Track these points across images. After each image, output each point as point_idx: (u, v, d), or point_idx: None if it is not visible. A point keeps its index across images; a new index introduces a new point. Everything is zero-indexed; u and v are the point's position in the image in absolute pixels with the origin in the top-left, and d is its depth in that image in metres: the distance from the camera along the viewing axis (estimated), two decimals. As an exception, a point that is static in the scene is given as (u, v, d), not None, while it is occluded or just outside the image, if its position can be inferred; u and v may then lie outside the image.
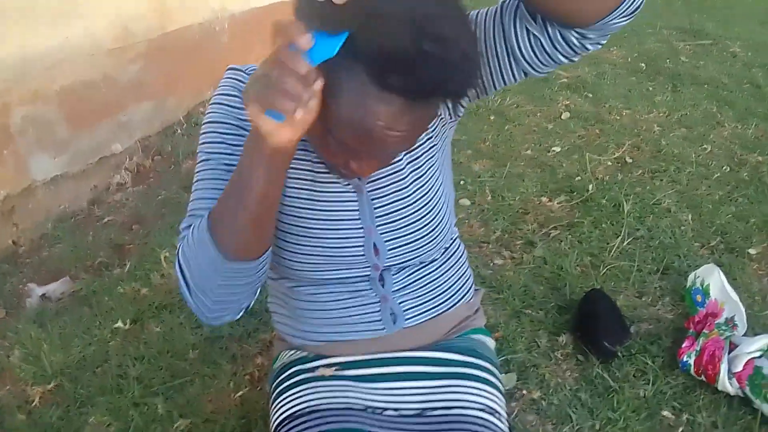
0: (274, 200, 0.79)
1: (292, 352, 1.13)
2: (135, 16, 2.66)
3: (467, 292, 1.16)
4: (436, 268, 1.09)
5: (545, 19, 0.81)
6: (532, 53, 0.85)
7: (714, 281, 1.76)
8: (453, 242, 1.14)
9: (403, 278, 1.05)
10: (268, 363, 1.66)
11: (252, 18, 3.40)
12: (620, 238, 2.07)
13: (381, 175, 0.96)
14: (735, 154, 2.64)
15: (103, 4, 2.51)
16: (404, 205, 0.98)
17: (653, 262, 1.99)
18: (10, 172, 2.24)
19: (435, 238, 1.02)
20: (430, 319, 1.09)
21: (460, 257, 1.16)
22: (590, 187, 2.36)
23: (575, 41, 0.80)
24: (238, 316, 0.89)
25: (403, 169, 0.97)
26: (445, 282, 1.10)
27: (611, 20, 0.76)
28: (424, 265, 1.07)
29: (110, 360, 1.70)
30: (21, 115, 2.25)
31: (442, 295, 1.10)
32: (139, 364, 1.67)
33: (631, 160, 2.58)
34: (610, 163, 2.56)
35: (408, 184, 0.97)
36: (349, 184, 0.95)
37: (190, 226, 0.85)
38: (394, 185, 0.97)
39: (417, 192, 0.98)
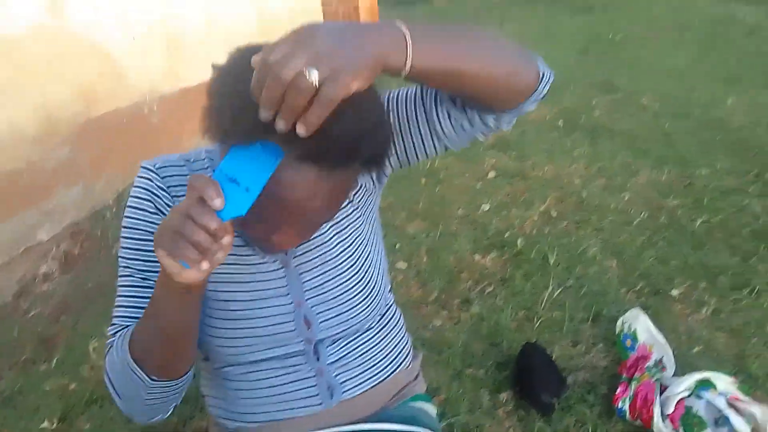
0: (191, 325, 0.81)
1: (229, 437, 1.10)
2: (59, 103, 2.65)
3: (405, 357, 1.15)
4: (372, 337, 1.08)
5: (465, 104, 0.88)
6: (452, 132, 0.91)
7: (641, 325, 1.83)
8: (388, 309, 1.14)
9: (338, 350, 1.04)
10: (206, 451, 1.60)
11: (181, 97, 3.43)
12: (550, 289, 2.13)
13: (308, 248, 0.97)
14: (652, 199, 2.78)
15: (24, 94, 2.49)
16: (333, 276, 0.98)
17: (584, 310, 2.05)
18: (-72, 269, 2.14)
19: (368, 307, 1.02)
20: (368, 389, 1.07)
21: (397, 323, 1.16)
22: (519, 241, 2.43)
23: (492, 122, 0.88)
24: (169, 413, 0.90)
25: (330, 240, 0.98)
26: (381, 350, 1.10)
27: (523, 107, 0.86)
28: (358, 334, 1.06)
29: (36, 465, 1.60)
30: (-61, 210, 2.17)
31: (380, 364, 1.09)
32: (67, 467, 1.59)
33: (555, 213, 2.68)
34: (536, 218, 2.65)
35: (336, 255, 0.98)
36: (276, 260, 0.96)
37: (115, 334, 0.88)
38: (321, 257, 0.98)
39: (345, 262, 0.99)
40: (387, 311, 1.14)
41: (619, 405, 1.63)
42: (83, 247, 2.69)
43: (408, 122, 0.93)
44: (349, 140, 0.68)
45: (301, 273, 0.97)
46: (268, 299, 0.96)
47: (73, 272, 2.54)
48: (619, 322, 1.88)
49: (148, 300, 0.87)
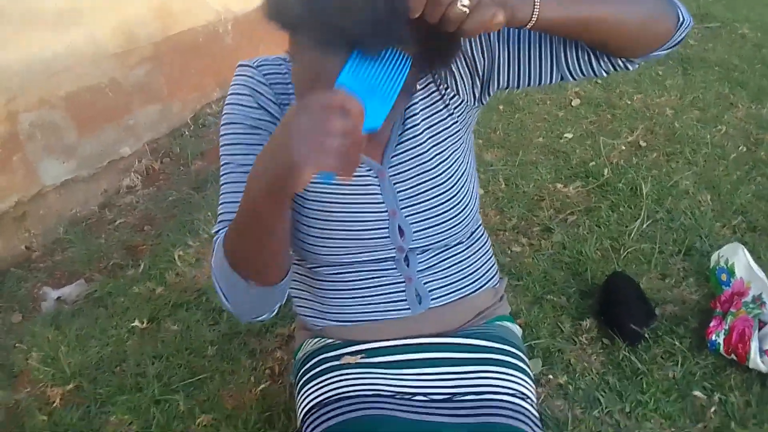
0: (287, 231, 0.79)
1: (316, 340, 1.11)
2: (138, 20, 2.65)
3: (492, 277, 1.14)
4: (461, 251, 1.07)
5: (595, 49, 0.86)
6: (578, 70, 0.89)
7: (739, 260, 1.73)
8: (477, 227, 1.13)
9: (428, 259, 1.03)
10: (287, 357, 1.63)
11: (255, 18, 3.39)
12: (639, 220, 2.03)
13: (403, 159, 0.95)
14: (750, 134, 2.59)
15: (105, 11, 2.50)
16: (429, 187, 0.96)
17: (674, 244, 1.96)
18: (20, 179, 2.23)
19: (461, 221, 1.00)
20: (455, 300, 1.07)
21: (485, 243, 1.15)
22: (605, 171, 2.32)
23: (621, 64, 0.87)
24: (275, 312, 0.90)
25: (427, 151, 0.95)
26: (470, 265, 1.09)
27: (657, 52, 0.84)
28: (449, 247, 1.05)
29: (128, 359, 1.68)
30: (28, 122, 2.24)
31: (468, 278, 1.09)
32: (157, 363, 1.65)
33: (645, 144, 2.54)
34: (624, 148, 2.52)
35: (432, 166, 0.96)
36: (371, 169, 0.94)
37: (219, 232, 0.87)
38: (418, 167, 0.95)
39: (441, 175, 0.96)
40: (476, 230, 1.13)
41: (713, 338, 1.56)
42: (163, 163, 2.76)
43: (530, 50, 0.89)
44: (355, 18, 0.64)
45: (396, 183, 0.95)
46: (364, 205, 0.95)
47: (154, 186, 2.61)
48: (714, 256, 1.78)
49: None
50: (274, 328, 1.73)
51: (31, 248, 2.26)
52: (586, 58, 0.87)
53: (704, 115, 2.77)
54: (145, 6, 2.68)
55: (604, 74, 0.89)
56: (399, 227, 0.96)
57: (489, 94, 0.97)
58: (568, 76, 0.90)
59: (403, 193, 0.95)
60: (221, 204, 0.90)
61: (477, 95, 0.96)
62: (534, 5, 0.72)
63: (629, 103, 2.91)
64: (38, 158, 2.30)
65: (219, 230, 0.88)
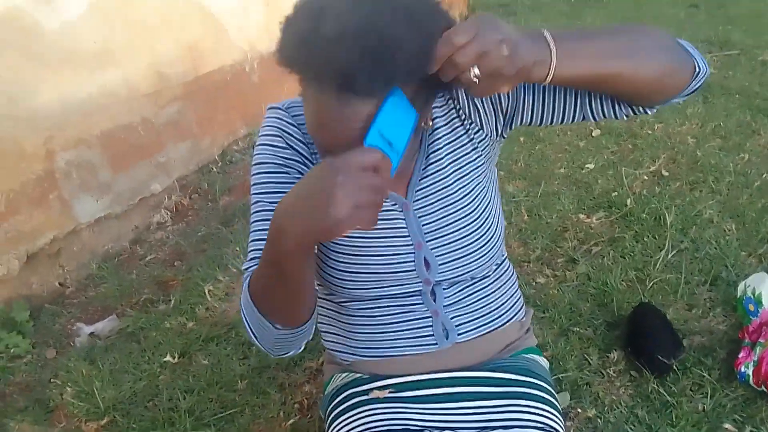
0: (312, 276, 0.82)
1: (345, 374, 1.13)
2: (168, 61, 2.76)
3: (519, 310, 1.15)
4: (488, 285, 1.08)
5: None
6: (600, 113, 0.91)
7: (766, 289, 1.71)
8: (504, 260, 1.15)
9: (455, 293, 1.05)
10: (316, 391, 1.66)
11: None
12: (664, 250, 2.03)
13: (427, 193, 0.97)
14: (774, 161, 2.59)
15: (138, 52, 2.61)
16: (453, 220, 0.98)
17: (700, 274, 1.95)
18: (56, 216, 2.31)
19: (486, 253, 1.01)
20: (482, 335, 1.08)
21: (511, 276, 1.16)
22: (628, 201, 2.33)
23: (641, 110, 0.90)
24: (302, 348, 0.92)
25: (452, 184, 0.97)
26: (496, 299, 1.10)
27: (675, 100, 0.88)
28: (475, 281, 1.07)
29: (161, 394, 1.71)
30: (65, 161, 2.33)
31: (494, 312, 1.10)
32: (189, 397, 1.69)
33: (667, 173, 2.54)
34: (646, 177, 2.53)
35: (456, 199, 0.98)
36: (395, 204, 0.96)
37: (248, 269, 0.90)
38: (442, 201, 0.98)
39: (466, 207, 0.98)
40: (502, 263, 1.14)
41: (742, 369, 1.55)
42: (192, 199, 2.83)
43: (554, 94, 0.92)
44: (332, 54, 0.66)
45: (420, 216, 0.97)
46: (390, 239, 0.97)
47: (184, 222, 2.68)
48: (741, 286, 1.77)
49: None
50: (303, 362, 1.75)
51: (64, 284, 2.33)
52: (608, 104, 0.89)
53: (726, 143, 2.77)
54: (175, 46, 2.79)
55: (625, 118, 0.92)
56: (425, 260, 0.98)
57: (510, 128, 0.99)
58: (591, 117, 0.92)
59: (428, 226, 0.97)
60: (251, 241, 0.93)
61: (500, 130, 0.98)
62: (550, 66, 0.74)
63: (650, 132, 2.92)
64: (74, 196, 2.38)
65: (249, 267, 0.91)
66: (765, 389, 1.50)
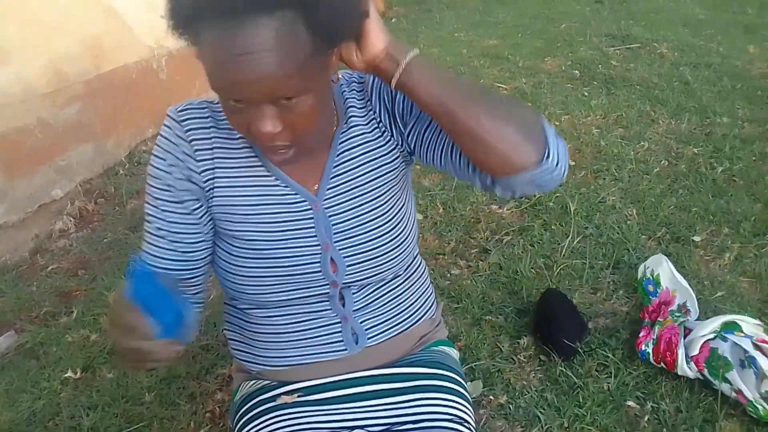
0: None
1: (252, 382, 1.10)
2: (68, 58, 2.61)
3: (429, 308, 1.16)
4: (398, 285, 1.08)
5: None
6: (459, 169, 0.91)
7: (663, 270, 1.80)
8: (414, 259, 1.13)
9: (364, 297, 1.03)
10: (228, 398, 1.61)
11: (189, 53, 3.37)
12: (570, 237, 2.11)
13: (338, 192, 0.95)
14: (671, 148, 2.73)
15: (33, 50, 2.45)
16: (364, 221, 0.96)
17: (604, 258, 2.03)
18: (-57, 227, 2.15)
19: (397, 256, 1.00)
20: (392, 336, 1.08)
21: (422, 274, 1.16)
22: (537, 191, 2.39)
23: (486, 181, 0.87)
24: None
25: (365, 184, 0.96)
26: (406, 299, 1.09)
27: (516, 182, 0.83)
28: (384, 282, 1.05)
29: (62, 412, 1.62)
30: (-48, 167, 2.16)
31: (404, 312, 1.09)
32: (92, 413, 1.60)
33: (573, 163, 2.64)
34: (554, 167, 2.61)
35: (369, 199, 0.97)
36: (305, 200, 0.94)
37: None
38: (354, 201, 0.96)
39: (379, 209, 0.97)
40: (413, 262, 1.13)
41: (642, 348, 1.62)
42: (97, 204, 2.70)
43: (429, 136, 0.93)
44: None
45: (330, 216, 0.95)
46: (296, 239, 0.95)
47: (88, 228, 2.55)
48: (641, 268, 1.86)
49: (172, 243, 0.91)
50: (214, 369, 1.70)
51: (-44, 300, 2.17)
52: (464, 162, 0.88)
53: (628, 132, 2.90)
54: (75, 43, 2.64)
55: (479, 185, 0.89)
56: (332, 260, 0.96)
57: (410, 149, 0.98)
58: (454, 169, 0.92)
59: (337, 226, 0.95)
60: (143, 245, 0.93)
61: (403, 144, 0.97)
62: (399, 66, 0.79)
63: (558, 123, 3.02)
64: (-37, 205, 2.22)
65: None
66: (664, 365, 1.58)
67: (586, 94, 3.37)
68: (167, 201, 0.91)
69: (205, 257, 0.95)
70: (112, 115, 2.90)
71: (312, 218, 0.95)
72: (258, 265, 0.94)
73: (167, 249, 0.91)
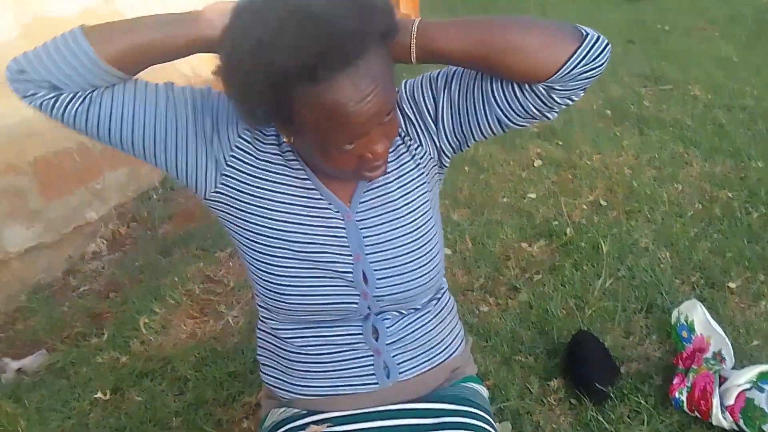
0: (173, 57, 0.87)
1: (282, 410, 1.10)
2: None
3: (460, 343, 1.15)
4: (430, 320, 1.08)
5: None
6: (506, 102, 0.89)
7: (698, 316, 1.77)
8: (444, 293, 1.14)
9: (397, 331, 1.03)
10: (255, 427, 1.61)
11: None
12: (602, 279, 2.08)
13: (371, 206, 0.97)
14: (705, 191, 2.70)
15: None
16: (396, 236, 0.97)
17: (636, 301, 2.00)
18: (-17, 245, 2.20)
19: (425, 275, 1.00)
20: (424, 372, 1.07)
21: (452, 309, 1.16)
22: (568, 230, 2.38)
23: (543, 92, 0.86)
24: (47, 101, 0.84)
25: (396, 199, 0.97)
26: (438, 334, 1.09)
27: (565, 75, 0.83)
28: (416, 316, 1.06)
29: (90, 433, 1.63)
30: (-6, 187, 2.22)
31: (436, 347, 1.09)
32: (120, 436, 1.61)
33: (605, 203, 2.62)
34: (585, 207, 2.60)
35: (400, 215, 0.98)
36: (338, 211, 0.95)
37: None
38: (385, 215, 0.97)
39: (411, 224, 0.98)
40: (443, 295, 1.13)
41: (676, 395, 1.59)
42: (130, 228, 2.74)
43: (466, 91, 0.92)
44: (349, 28, 0.72)
45: (362, 228, 0.96)
46: (328, 245, 0.96)
47: (120, 251, 2.59)
48: (674, 313, 1.83)
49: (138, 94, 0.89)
50: (241, 397, 1.70)
51: (-9, 317, 2.21)
52: (509, 88, 0.88)
53: (661, 173, 2.88)
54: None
55: (533, 109, 0.88)
56: (363, 272, 0.96)
57: (446, 151, 0.99)
58: (503, 116, 0.90)
59: (369, 238, 0.96)
60: None
61: (437, 148, 0.98)
62: (412, 37, 0.83)
63: (589, 162, 3.01)
64: (3, 224, 2.27)
65: None
66: (698, 414, 1.55)
67: (618, 133, 3.36)
68: (187, 95, 0.92)
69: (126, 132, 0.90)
70: (149, 140, 2.97)
71: (344, 228, 0.96)
72: (294, 265, 0.95)
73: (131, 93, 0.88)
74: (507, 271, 2.21)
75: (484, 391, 1.18)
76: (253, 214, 0.95)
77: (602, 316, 1.94)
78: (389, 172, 0.97)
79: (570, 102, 0.88)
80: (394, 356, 1.04)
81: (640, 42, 5.33)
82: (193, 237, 2.58)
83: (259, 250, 0.97)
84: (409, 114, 0.96)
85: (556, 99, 0.86)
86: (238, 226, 0.97)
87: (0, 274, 2.27)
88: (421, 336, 1.07)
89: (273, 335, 1.07)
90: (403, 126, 0.97)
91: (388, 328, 1.02)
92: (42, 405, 1.75)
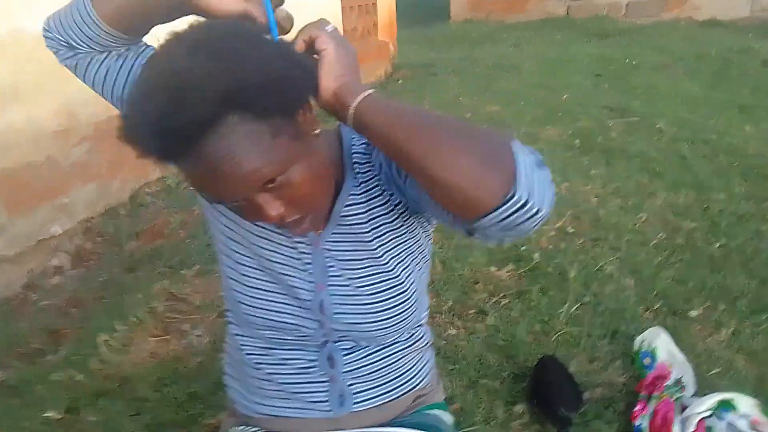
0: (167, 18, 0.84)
1: (241, 428, 1.08)
2: (80, 101, 2.66)
3: (426, 374, 1.12)
4: (394, 353, 1.04)
5: None
6: (438, 213, 0.82)
7: (661, 344, 1.80)
8: (419, 327, 1.09)
9: (356, 359, 1.01)
10: (214, 449, 1.57)
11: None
12: (567, 304, 2.10)
13: (342, 239, 0.95)
14: (669, 221, 2.76)
15: (47, 91, 2.50)
16: (362, 274, 0.95)
17: (601, 327, 2.02)
18: (-61, 257, 2.13)
19: (391, 317, 0.97)
20: (380, 404, 1.04)
21: (426, 343, 1.12)
22: (536, 255, 2.41)
23: (465, 226, 0.74)
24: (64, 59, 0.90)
25: (367, 237, 0.94)
26: (402, 366, 1.06)
27: (483, 225, 0.69)
28: (379, 348, 1.03)
29: (40, 455, 1.57)
30: (-46, 198, 2.17)
31: (397, 380, 1.05)
32: (72, 458, 1.55)
33: (572, 230, 2.66)
34: (553, 233, 2.63)
35: (371, 255, 0.95)
36: (305, 237, 0.94)
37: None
38: (356, 252, 0.95)
39: (380, 265, 0.95)
40: (417, 330, 1.09)
41: (638, 422, 1.60)
42: (95, 243, 2.69)
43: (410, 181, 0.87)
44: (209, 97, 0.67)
45: (327, 257, 0.94)
46: (293, 268, 0.95)
47: (84, 267, 2.54)
48: (637, 340, 1.85)
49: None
50: (202, 418, 1.66)
51: (-57, 332, 2.13)
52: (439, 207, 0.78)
53: (626, 202, 2.94)
54: (89, 88, 2.69)
55: (461, 230, 0.76)
56: (321, 303, 0.94)
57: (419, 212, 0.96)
58: (440, 219, 0.85)
59: (333, 269, 0.94)
60: None
61: (408, 201, 0.94)
62: (349, 109, 0.74)
63: (557, 190, 3.05)
64: (-39, 237, 2.21)
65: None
66: (659, 441, 1.55)
67: (585, 163, 3.43)
68: None
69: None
70: (119, 157, 2.93)
71: (310, 254, 0.94)
72: (258, 276, 0.95)
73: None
74: (475, 294, 2.21)
75: (449, 418, 1.15)
76: (228, 218, 0.95)
77: (568, 341, 1.95)
78: (363, 213, 0.93)
79: (500, 243, 0.75)
80: (350, 385, 1.01)
81: (608, 76, 5.49)
82: (161, 254, 2.54)
83: (228, 255, 0.97)
84: (385, 158, 0.91)
85: (477, 237, 0.74)
86: (215, 224, 0.98)
87: (-45, 287, 2.20)
88: (383, 368, 1.03)
89: (237, 346, 1.06)
90: (377, 166, 0.93)
91: (344, 356, 1.00)
92: (-9, 425, 1.68)
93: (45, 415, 1.68)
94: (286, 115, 0.75)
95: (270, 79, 0.69)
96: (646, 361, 1.79)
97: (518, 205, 0.65)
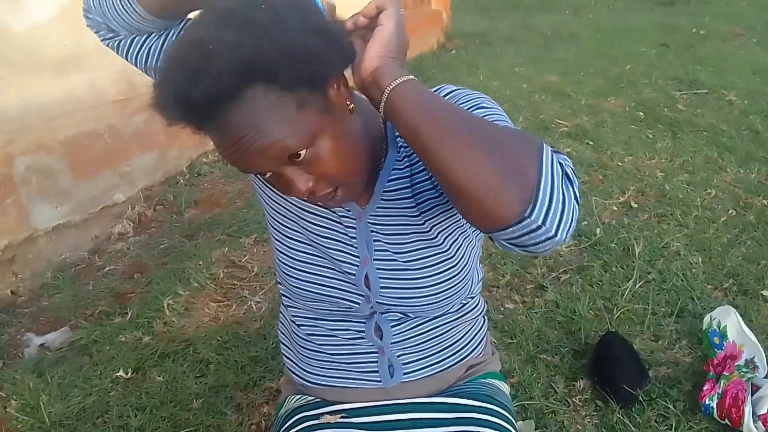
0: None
1: (297, 397, 1.09)
2: (139, 70, 2.69)
3: (478, 344, 1.10)
4: (443, 324, 1.03)
5: None
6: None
7: (731, 323, 1.72)
8: (470, 300, 1.07)
9: (404, 330, 1.00)
10: (274, 412, 1.59)
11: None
12: (632, 281, 2.04)
13: (386, 214, 0.92)
14: (740, 197, 2.63)
15: (108, 58, 2.53)
16: (405, 250, 0.93)
17: (667, 305, 1.95)
18: (11, 222, 2.22)
19: (439, 293, 0.95)
20: (430, 375, 1.04)
21: (479, 314, 1.10)
22: (598, 231, 2.34)
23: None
24: (104, 40, 0.91)
25: (412, 211, 0.92)
26: (452, 338, 1.05)
27: (501, 237, 0.69)
28: (427, 319, 1.01)
29: (111, 410, 1.63)
30: (24, 165, 2.25)
31: (446, 351, 1.04)
32: (141, 415, 1.61)
33: (636, 205, 2.57)
34: (615, 208, 2.55)
35: (416, 229, 0.92)
36: (350, 210, 0.92)
37: None
38: (401, 226, 0.92)
39: (426, 240, 0.92)
40: (469, 301, 1.07)
41: (706, 402, 1.54)
42: (156, 211, 2.75)
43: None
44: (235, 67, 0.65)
45: (373, 232, 0.93)
46: (339, 242, 0.94)
47: (146, 234, 2.60)
48: (706, 319, 1.78)
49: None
50: (262, 382, 1.69)
51: (16, 293, 2.23)
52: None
53: (694, 178, 2.81)
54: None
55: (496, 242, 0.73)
56: (366, 276, 0.93)
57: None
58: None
59: (379, 243, 0.93)
60: None
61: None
62: (383, 93, 0.71)
63: (620, 164, 2.96)
64: (31, 202, 2.30)
65: None
66: (728, 422, 1.50)
67: (650, 136, 3.30)
68: None
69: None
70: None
71: (355, 228, 0.93)
72: (305, 250, 0.95)
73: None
74: (533, 269, 2.17)
75: (506, 388, 1.14)
76: (276, 192, 0.94)
77: (631, 319, 1.89)
78: (406, 188, 0.91)
79: (523, 251, 0.71)
80: (399, 356, 1.00)
81: (674, 46, 5.25)
82: (219, 222, 2.58)
83: (277, 228, 0.97)
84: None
85: (502, 243, 0.71)
86: (264, 198, 0.98)
87: (26, 250, 2.29)
88: (432, 338, 1.02)
89: (289, 318, 1.06)
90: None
91: (392, 327, 0.99)
92: (64, 381, 1.76)
93: (115, 374, 1.74)
94: (314, 88, 0.72)
95: (295, 51, 0.67)
96: (716, 340, 1.72)
97: (531, 228, 0.64)
